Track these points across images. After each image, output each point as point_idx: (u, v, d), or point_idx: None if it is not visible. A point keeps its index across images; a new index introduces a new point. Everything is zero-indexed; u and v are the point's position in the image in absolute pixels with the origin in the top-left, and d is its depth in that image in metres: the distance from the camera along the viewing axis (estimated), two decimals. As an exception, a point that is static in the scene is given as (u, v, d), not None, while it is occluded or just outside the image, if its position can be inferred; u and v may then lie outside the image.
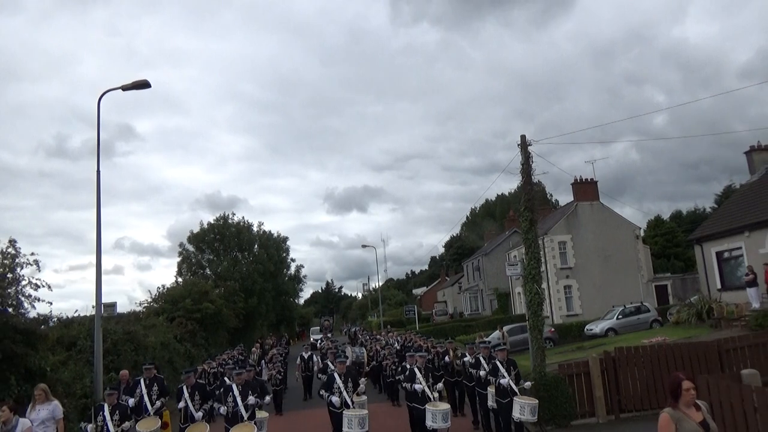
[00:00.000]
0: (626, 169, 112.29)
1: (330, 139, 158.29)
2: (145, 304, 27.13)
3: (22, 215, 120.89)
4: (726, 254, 24.73)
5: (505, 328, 24.96)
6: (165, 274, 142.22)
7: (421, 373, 10.04)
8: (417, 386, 9.75)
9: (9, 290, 10.48)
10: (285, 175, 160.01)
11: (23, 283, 10.89)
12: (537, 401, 9.39)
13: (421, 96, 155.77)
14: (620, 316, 27.78)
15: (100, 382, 12.23)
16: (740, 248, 23.64)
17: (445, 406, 9.59)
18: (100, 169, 13.47)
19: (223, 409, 9.05)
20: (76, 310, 15.90)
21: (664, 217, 58.31)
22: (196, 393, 9.79)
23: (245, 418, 8.79)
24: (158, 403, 10.64)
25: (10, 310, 10.66)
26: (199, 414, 9.53)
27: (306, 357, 18.99)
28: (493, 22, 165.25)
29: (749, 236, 23.05)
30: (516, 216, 52.16)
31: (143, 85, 13.78)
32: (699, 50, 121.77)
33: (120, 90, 13.82)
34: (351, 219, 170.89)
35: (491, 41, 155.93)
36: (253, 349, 26.50)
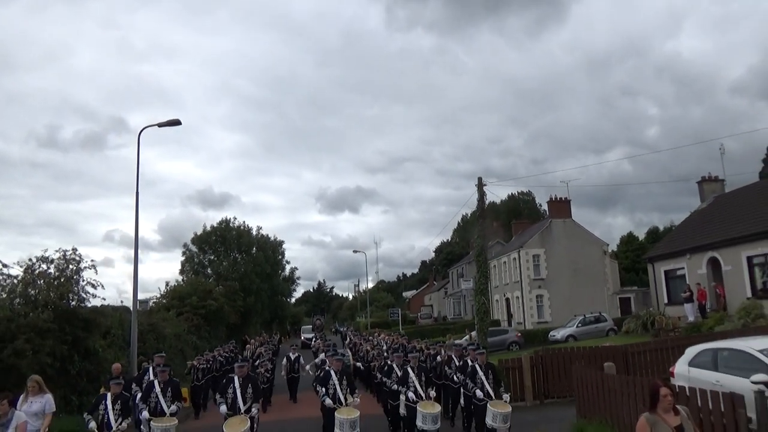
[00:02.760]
0: (618, 179, 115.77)
1: (325, 139, 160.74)
2: (154, 300, 30.33)
3: (14, 204, 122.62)
4: (672, 273, 28.11)
5: (473, 333, 28.08)
6: (155, 268, 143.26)
7: (414, 372, 10.09)
8: (410, 394, 9.82)
9: (75, 288, 13.60)
10: (279, 174, 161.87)
11: (83, 282, 14.04)
12: (510, 409, 9.36)
13: (417, 99, 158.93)
14: (580, 325, 31.07)
15: (135, 363, 15.34)
16: (683, 268, 27.04)
17: (437, 408, 9.61)
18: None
19: (223, 405, 9.10)
20: (105, 299, 18.70)
21: (642, 231, 61.91)
22: (168, 389, 9.52)
23: (242, 411, 8.92)
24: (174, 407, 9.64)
25: (73, 303, 13.81)
26: (173, 408, 9.35)
27: (293, 358, 18.28)
28: (488, 29, 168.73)
29: (690, 258, 26.42)
30: (498, 228, 55.53)
31: (176, 122, 16.89)
32: (692, 65, 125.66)
33: (157, 126, 16.90)
34: (343, 219, 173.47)
35: (486, 48, 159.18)
36: (248, 345, 27.67)
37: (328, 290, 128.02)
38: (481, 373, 9.82)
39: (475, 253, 15.16)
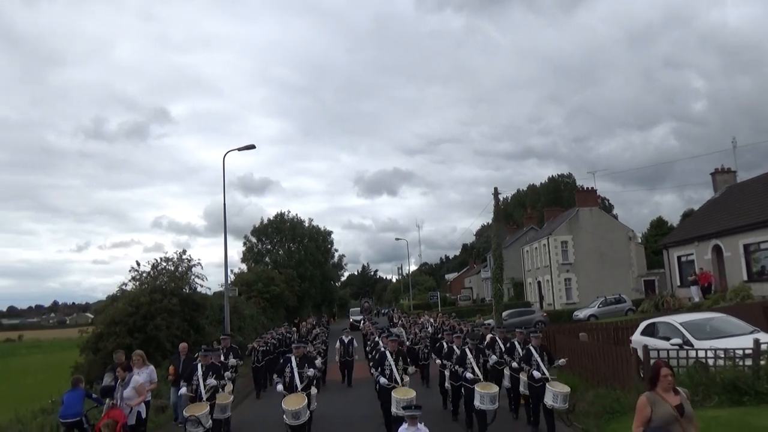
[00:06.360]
0: (665, 155, 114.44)
1: (362, 122, 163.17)
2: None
3: (68, 194, 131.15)
4: (683, 258, 31.10)
5: (504, 313, 31.71)
6: (203, 253, 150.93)
7: (471, 354, 10.32)
8: (468, 374, 10.00)
9: (188, 280, 18.27)
10: (317, 158, 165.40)
11: (192, 276, 18.71)
12: (569, 389, 9.52)
13: (452, 80, 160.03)
14: (601, 305, 34.35)
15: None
16: (692, 254, 30.04)
17: (495, 388, 9.81)
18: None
19: (280, 384, 9.38)
20: (210, 288, 22.54)
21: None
22: (210, 373, 9.68)
23: (299, 389, 9.25)
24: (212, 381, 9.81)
25: (186, 290, 18.48)
26: (211, 382, 9.56)
27: (346, 341, 17.72)
28: (518, 6, 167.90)
29: (698, 245, 29.40)
30: (533, 214, 58.57)
31: (251, 147, 21.16)
32: (739, 34, 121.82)
33: (237, 150, 21.24)
34: (381, 202, 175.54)
35: (518, 25, 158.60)
36: (294, 328, 27.78)
37: (372, 273, 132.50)
38: (536, 355, 9.92)
39: (492, 248, 18.89)
